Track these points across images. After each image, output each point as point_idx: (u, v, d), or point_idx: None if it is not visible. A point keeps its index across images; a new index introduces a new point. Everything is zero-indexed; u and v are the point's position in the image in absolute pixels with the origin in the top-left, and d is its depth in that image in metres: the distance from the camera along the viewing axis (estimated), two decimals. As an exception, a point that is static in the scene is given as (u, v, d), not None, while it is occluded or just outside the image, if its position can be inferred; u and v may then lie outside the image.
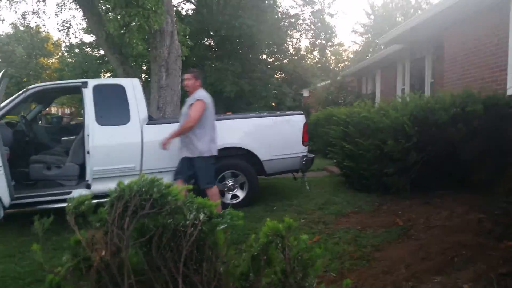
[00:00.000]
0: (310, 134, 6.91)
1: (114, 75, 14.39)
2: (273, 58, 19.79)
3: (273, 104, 17.75)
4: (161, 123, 5.63)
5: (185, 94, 13.80)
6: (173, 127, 5.60)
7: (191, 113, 4.57)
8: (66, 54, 20.26)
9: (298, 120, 5.93)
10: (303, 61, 20.82)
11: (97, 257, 1.68)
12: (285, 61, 19.47)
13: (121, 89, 5.30)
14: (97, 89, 5.22)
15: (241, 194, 5.61)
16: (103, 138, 5.06)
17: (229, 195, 5.59)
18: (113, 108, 5.27)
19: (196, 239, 1.65)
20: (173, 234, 1.69)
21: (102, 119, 5.10)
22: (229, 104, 16.63)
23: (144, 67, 15.88)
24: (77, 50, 17.70)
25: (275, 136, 5.73)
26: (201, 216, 1.64)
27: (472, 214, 4.04)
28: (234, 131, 5.64)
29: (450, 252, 3.20)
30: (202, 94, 4.72)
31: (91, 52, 17.69)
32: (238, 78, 15.84)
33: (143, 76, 16.08)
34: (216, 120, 5.97)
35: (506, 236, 3.42)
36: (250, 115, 6.61)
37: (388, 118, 5.33)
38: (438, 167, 5.28)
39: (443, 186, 5.37)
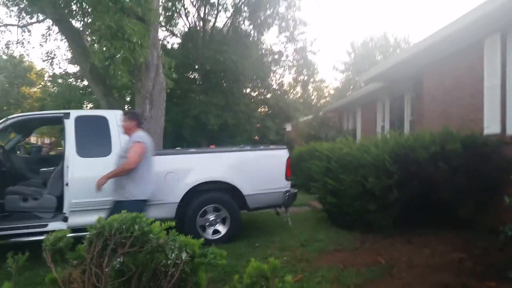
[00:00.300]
0: (292, 169, 6.92)
1: (97, 106, 14.29)
2: (256, 92, 20.09)
3: (256, 137, 17.85)
4: None
5: (168, 126, 13.71)
6: (158, 160, 5.57)
7: (130, 156, 4.37)
8: (49, 83, 20.11)
9: (281, 155, 5.93)
10: (286, 96, 21.18)
11: (73, 298, 1.60)
12: (269, 95, 19.77)
13: (103, 121, 5.26)
14: (79, 120, 5.18)
15: (223, 229, 5.51)
16: (84, 170, 4.97)
17: (210, 230, 5.48)
18: (94, 139, 5.21)
19: (178, 279, 1.60)
20: (153, 274, 1.64)
21: (83, 150, 5.03)
22: (213, 136, 16.66)
23: (128, 99, 15.86)
24: (60, 80, 17.61)
25: (258, 170, 5.71)
26: (183, 255, 1.60)
27: (454, 254, 4.05)
28: (217, 165, 5.61)
29: (433, 292, 3.18)
30: (140, 135, 4.56)
31: (74, 83, 17.63)
32: (222, 111, 15.96)
33: (126, 108, 16.03)
34: (199, 153, 5.98)
35: (487, 276, 3.43)
36: (233, 149, 6.61)
37: (370, 155, 5.40)
38: (419, 205, 5.33)
39: (425, 223, 5.41)
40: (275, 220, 6.69)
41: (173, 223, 1.81)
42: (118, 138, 5.19)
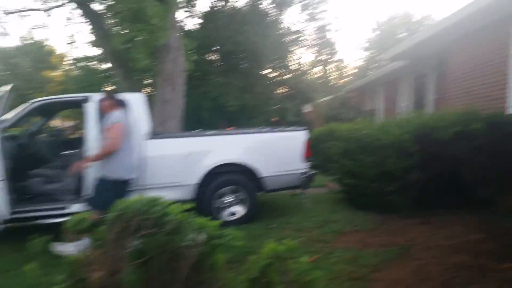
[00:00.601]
0: (311, 149, 6.89)
1: (118, 89, 14.49)
2: (275, 73, 19.92)
3: (275, 119, 17.81)
4: (165, 138, 5.65)
5: (187, 108, 13.80)
6: (177, 142, 5.64)
7: (112, 136, 4.33)
8: (71, 67, 20.43)
9: (300, 136, 5.90)
10: (306, 76, 20.94)
11: (94, 278, 1.67)
12: (288, 76, 19.58)
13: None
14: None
15: (240, 211, 5.56)
16: None
17: (227, 212, 5.54)
18: None
19: (195, 261, 1.66)
20: (171, 255, 1.70)
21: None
22: (232, 118, 16.70)
23: (149, 81, 16.00)
24: (83, 63, 17.86)
25: (276, 152, 5.71)
26: (201, 237, 1.65)
27: (472, 235, 4.02)
28: (235, 147, 5.64)
29: (450, 273, 3.19)
30: (117, 115, 4.47)
31: (96, 66, 17.86)
32: (241, 93, 15.94)
33: (148, 90, 16.20)
34: (217, 135, 6.01)
35: (507, 257, 3.41)
36: (252, 130, 6.62)
37: (390, 136, 5.34)
38: (439, 186, 5.27)
39: (444, 204, 5.35)
40: (292, 202, 6.73)
41: (192, 205, 1.86)
42: (139, 121, 5.28)
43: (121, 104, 4.69)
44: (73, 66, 19.27)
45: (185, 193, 5.32)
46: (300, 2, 18.68)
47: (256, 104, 16.64)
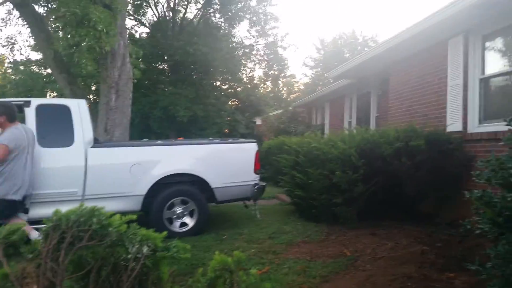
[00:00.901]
0: (262, 162, 6.91)
1: (61, 95, 13.79)
2: (227, 86, 19.99)
3: (226, 130, 17.79)
4: (107, 146, 5.43)
5: (136, 117, 13.33)
6: (120, 151, 5.43)
7: None
8: (9, 70, 19.20)
9: (250, 148, 5.93)
10: (256, 90, 21.21)
11: (25, 294, 1.52)
12: (239, 89, 19.72)
13: (66, 110, 5.08)
14: (40, 109, 4.96)
15: (190, 222, 5.45)
16: (45, 161, 4.78)
17: (178, 223, 5.41)
18: (56, 129, 5.02)
19: (139, 274, 1.54)
20: (113, 268, 1.58)
21: (44, 140, 4.82)
22: (182, 128, 16.45)
23: (93, 88, 15.39)
24: (22, 67, 16.84)
25: (227, 163, 5.68)
26: (145, 249, 1.54)
27: (416, 246, 4.17)
28: (184, 157, 5.53)
29: (396, 284, 3.25)
30: (7, 135, 4.28)
31: (37, 70, 16.92)
32: (191, 103, 15.78)
33: (91, 97, 15.56)
34: (167, 145, 5.87)
35: (447, 268, 3.55)
36: (202, 141, 6.53)
37: (337, 149, 5.47)
38: (384, 198, 5.46)
39: (390, 216, 5.54)
40: (243, 213, 6.69)
41: (134, 216, 1.75)
42: (81, 128, 5.03)
43: (13, 119, 4.39)
44: (12, 70, 18.11)
45: (132, 204, 5.13)
46: (248, 18, 18.98)
47: (207, 115, 16.55)
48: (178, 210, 5.40)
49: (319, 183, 5.56)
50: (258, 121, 20.31)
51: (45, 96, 15.83)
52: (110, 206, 5.07)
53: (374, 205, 5.48)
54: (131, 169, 5.12)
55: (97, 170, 4.97)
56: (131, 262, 1.52)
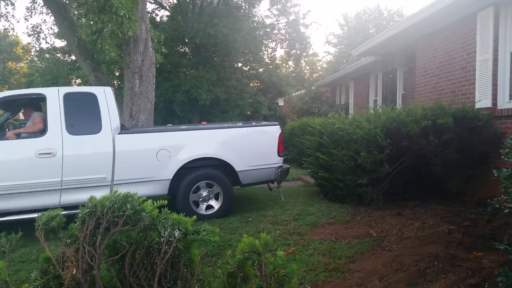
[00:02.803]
0: (285, 144, 6.91)
1: (85, 82, 14.07)
2: (248, 67, 19.87)
3: (248, 112, 17.80)
4: (134, 133, 5.54)
5: (159, 101, 13.47)
6: (146, 137, 5.52)
7: None
8: (36, 59, 19.67)
9: (273, 131, 5.94)
10: (278, 70, 21.00)
11: (68, 275, 1.61)
12: (261, 70, 19.58)
13: (92, 98, 5.19)
14: (67, 97, 5.09)
15: (216, 204, 5.56)
16: (73, 148, 4.93)
17: (204, 205, 5.52)
18: (84, 117, 5.14)
19: (171, 257, 1.61)
20: (146, 251, 1.65)
21: (73, 128, 4.96)
22: (204, 111, 16.56)
23: (117, 74, 15.62)
24: (47, 55, 17.22)
25: (250, 146, 5.72)
26: (176, 233, 1.60)
27: (442, 225, 4.13)
28: (209, 142, 5.59)
29: (422, 264, 3.25)
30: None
31: (62, 58, 17.26)
32: (213, 86, 15.81)
33: (116, 83, 15.81)
34: (192, 130, 5.94)
35: (475, 247, 3.52)
36: (225, 125, 6.57)
37: (362, 130, 5.41)
38: (410, 178, 5.41)
39: (415, 196, 5.49)
40: (267, 195, 6.76)
41: (165, 202, 1.81)
42: (107, 115, 5.15)
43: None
44: (38, 58, 18.55)
45: (159, 188, 5.26)
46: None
47: (229, 98, 16.57)
48: (204, 193, 5.51)
49: (343, 164, 5.55)
50: (281, 102, 20.21)
51: (70, 83, 16.18)
52: (138, 190, 5.19)
53: (401, 185, 5.44)
54: (158, 154, 5.23)
55: (124, 156, 5.09)
56: (163, 245, 1.59)
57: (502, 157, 2.60)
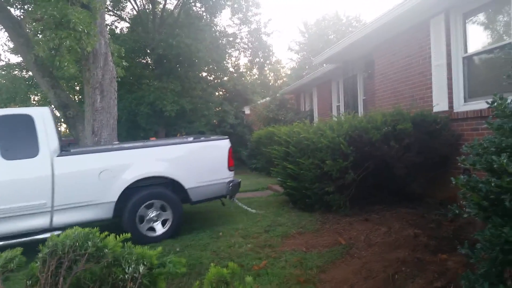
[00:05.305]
0: (253, 152, 6.87)
1: (45, 99, 13.59)
2: (213, 76, 19.84)
3: (215, 122, 17.73)
4: (74, 154, 5.18)
5: (122, 115, 13.15)
6: (87, 157, 5.22)
7: None
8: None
9: (222, 145, 5.79)
10: (243, 79, 21.09)
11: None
12: (225, 78, 19.59)
13: (28, 119, 4.89)
14: (1, 120, 4.82)
15: (165, 224, 5.31)
16: (9, 173, 4.65)
17: (153, 226, 5.26)
18: (20, 140, 4.84)
19: (137, 292, 1.57)
20: (112, 288, 1.60)
21: (8, 152, 4.70)
22: (170, 123, 16.34)
23: (78, 88, 15.17)
24: (3, 72, 16.50)
25: (199, 162, 5.53)
26: (141, 268, 1.57)
27: (408, 229, 4.26)
28: (155, 159, 5.37)
29: (390, 270, 3.33)
30: None
31: (19, 74, 16.59)
32: (178, 97, 15.64)
33: (77, 98, 15.36)
34: (136, 148, 5.59)
35: (440, 249, 3.65)
36: (172, 141, 6.15)
37: (326, 138, 5.51)
38: (375, 183, 5.54)
39: (381, 200, 5.63)
40: (236, 207, 6.73)
41: (129, 235, 1.76)
42: (45, 138, 4.88)
43: None
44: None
45: (103, 212, 5.01)
46: (230, 6, 18.75)
47: (195, 108, 16.44)
48: (152, 214, 5.26)
49: (310, 172, 5.62)
50: (247, 110, 20.27)
51: (29, 100, 15.57)
52: (80, 215, 4.95)
53: (366, 190, 5.57)
54: (100, 176, 4.99)
55: (65, 179, 4.81)
56: (129, 282, 1.55)
57: (459, 163, 2.71)
